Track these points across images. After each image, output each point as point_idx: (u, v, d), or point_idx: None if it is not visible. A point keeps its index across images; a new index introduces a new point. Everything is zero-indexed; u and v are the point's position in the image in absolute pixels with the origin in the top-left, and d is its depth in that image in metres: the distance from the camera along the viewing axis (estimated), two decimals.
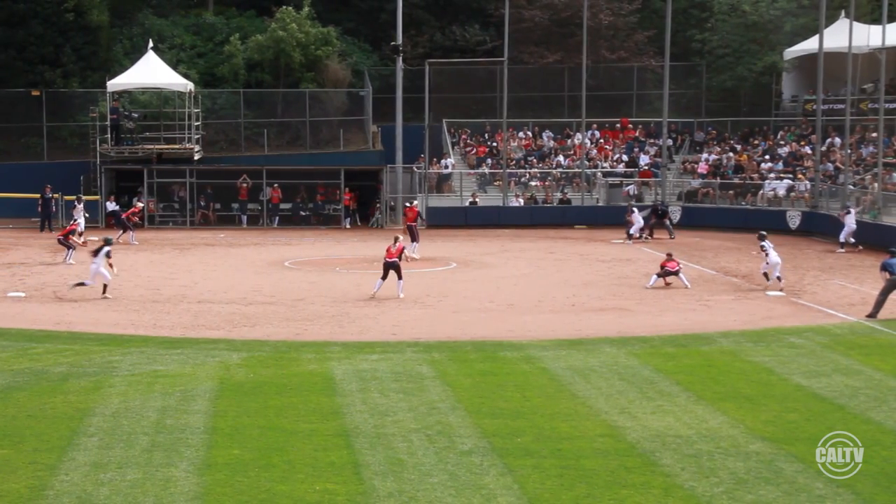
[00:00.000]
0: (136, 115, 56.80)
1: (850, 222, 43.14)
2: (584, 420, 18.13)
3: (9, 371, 21.61)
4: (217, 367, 22.06)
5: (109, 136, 54.92)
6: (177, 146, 56.15)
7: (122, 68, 57.25)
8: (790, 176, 53.33)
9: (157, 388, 20.26)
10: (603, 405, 19.05)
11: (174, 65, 58.08)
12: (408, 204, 45.38)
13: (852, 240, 43.08)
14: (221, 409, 18.69)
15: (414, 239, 41.48)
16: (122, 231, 47.02)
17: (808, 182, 51.60)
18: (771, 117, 59.57)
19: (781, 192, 52.47)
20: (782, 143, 56.91)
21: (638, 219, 47.64)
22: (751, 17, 61.32)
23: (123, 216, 48.28)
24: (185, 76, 57.32)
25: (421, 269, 38.81)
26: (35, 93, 57.98)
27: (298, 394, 19.78)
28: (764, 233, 36.00)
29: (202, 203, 55.72)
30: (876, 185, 47.30)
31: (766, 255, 33.68)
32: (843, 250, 42.65)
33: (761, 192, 53.07)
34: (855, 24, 50.51)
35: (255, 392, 19.98)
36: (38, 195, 51.59)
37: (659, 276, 33.54)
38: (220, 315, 28.44)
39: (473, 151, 59.78)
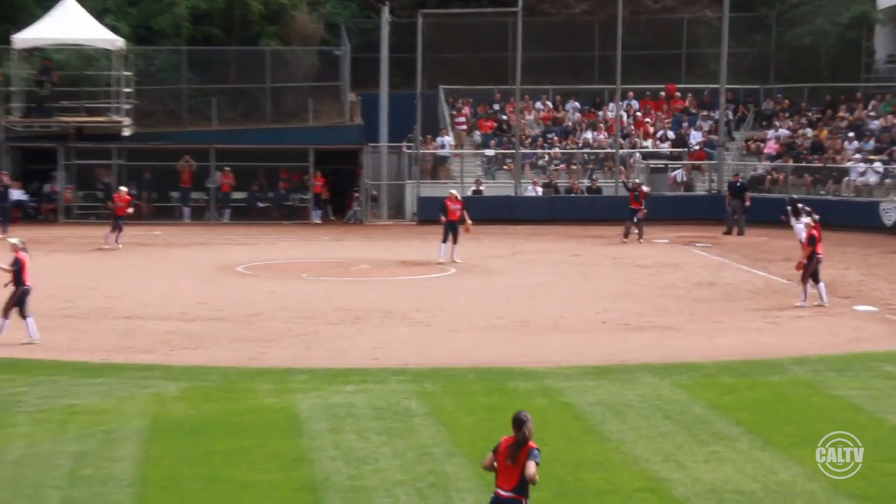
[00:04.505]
0: (48, 80, 56.64)
1: None
2: (619, 470, 18.02)
3: None
4: (150, 402, 21.96)
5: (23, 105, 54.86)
6: (101, 119, 56.11)
7: (33, 18, 57.13)
8: (884, 158, 53.20)
9: (73, 427, 20.15)
10: (642, 451, 18.94)
11: (99, 15, 57.97)
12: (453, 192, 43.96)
13: None
14: (155, 456, 18.60)
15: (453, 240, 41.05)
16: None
17: None
18: (860, 83, 59.45)
19: (873, 179, 52.35)
20: (874, 115, 56.83)
21: None
22: None
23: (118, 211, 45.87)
24: (114, 30, 57.22)
25: (411, 275, 38.70)
26: None
27: (253, 435, 19.69)
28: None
29: (133, 192, 55.67)
30: None
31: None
32: None
33: (847, 178, 52.98)
34: None
35: (198, 433, 19.90)
36: None
37: (810, 275, 32.66)
38: (153, 334, 28.35)
39: (464, 126, 59.60)
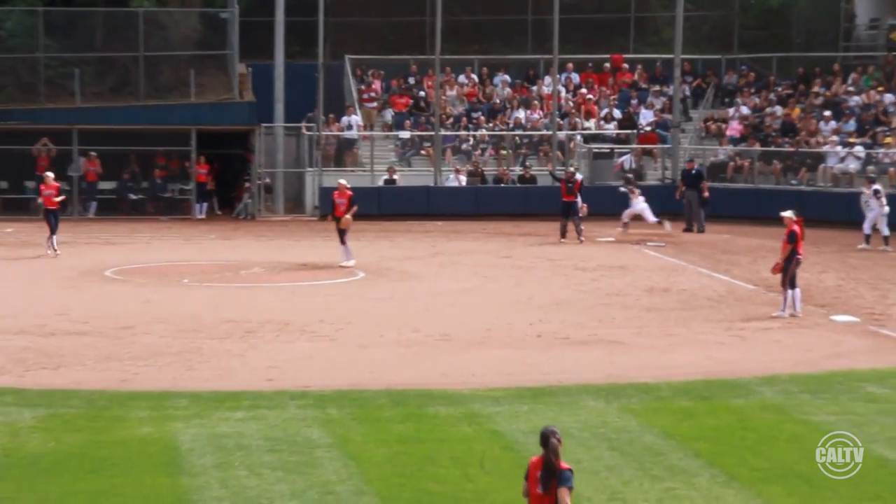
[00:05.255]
0: None
1: (876, 205, 45.09)
2: None
3: None
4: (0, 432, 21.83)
5: None
6: None
7: None
8: (866, 141, 53.67)
9: None
10: (584, 488, 18.97)
11: None
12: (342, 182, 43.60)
13: (868, 231, 44.93)
14: (6, 497, 18.46)
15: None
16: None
17: (894, 149, 52.02)
18: (839, 52, 59.95)
19: (853, 166, 52.81)
20: (854, 90, 57.31)
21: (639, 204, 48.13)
22: None
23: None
24: None
25: (312, 281, 38.64)
26: None
27: (125, 472, 19.59)
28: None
29: None
30: None
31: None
32: (868, 245, 44.80)
33: (823, 165, 53.41)
34: None
35: (59, 469, 19.77)
36: None
37: (788, 280, 32.68)
38: (5, 351, 28.14)
39: (375, 103, 59.57)
